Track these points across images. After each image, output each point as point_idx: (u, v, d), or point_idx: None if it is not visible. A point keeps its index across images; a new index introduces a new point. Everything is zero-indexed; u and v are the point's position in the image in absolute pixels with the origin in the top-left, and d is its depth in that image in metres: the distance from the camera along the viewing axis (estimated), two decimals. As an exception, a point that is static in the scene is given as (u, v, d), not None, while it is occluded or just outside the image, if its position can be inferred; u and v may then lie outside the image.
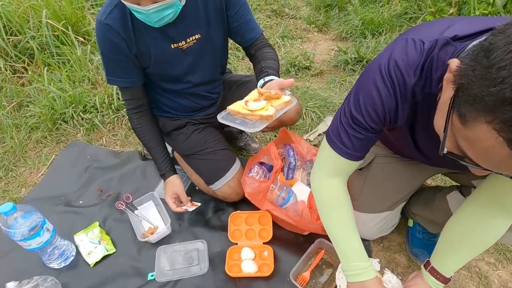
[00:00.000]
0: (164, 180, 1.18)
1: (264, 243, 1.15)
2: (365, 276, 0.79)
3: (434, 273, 0.83)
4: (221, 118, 0.91)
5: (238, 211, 1.21)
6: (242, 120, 0.88)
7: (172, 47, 1.00)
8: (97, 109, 1.74)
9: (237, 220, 1.21)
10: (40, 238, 0.97)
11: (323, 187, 0.83)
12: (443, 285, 0.83)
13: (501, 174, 0.46)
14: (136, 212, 1.24)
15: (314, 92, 1.91)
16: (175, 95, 1.17)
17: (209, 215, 1.28)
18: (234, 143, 1.58)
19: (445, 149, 0.49)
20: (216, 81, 1.22)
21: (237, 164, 1.23)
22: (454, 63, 0.48)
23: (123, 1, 0.83)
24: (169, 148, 1.35)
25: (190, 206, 1.18)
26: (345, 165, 0.77)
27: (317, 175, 0.84)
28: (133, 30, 0.94)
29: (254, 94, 0.92)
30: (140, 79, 1.07)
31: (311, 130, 1.66)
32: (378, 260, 0.93)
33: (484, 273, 1.05)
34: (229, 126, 1.25)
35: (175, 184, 1.16)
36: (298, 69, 2.18)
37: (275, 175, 1.10)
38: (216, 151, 1.22)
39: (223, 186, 1.19)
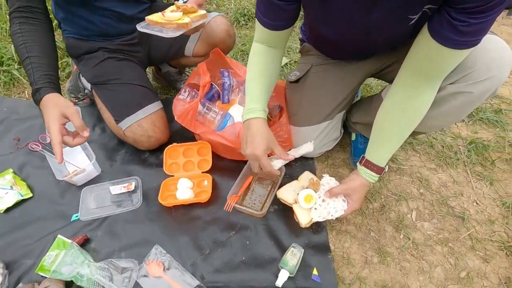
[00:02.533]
0: (40, 101, 0.80)
1: (203, 172, 1.07)
2: (251, 114, 0.82)
3: (369, 165, 0.79)
4: (140, 27, 0.90)
5: (174, 144, 1.11)
6: (160, 28, 0.89)
7: None
8: (15, 60, 1.53)
9: (174, 154, 1.11)
10: None
11: (252, 49, 0.87)
12: (378, 176, 0.80)
13: None
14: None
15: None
16: (86, 11, 1.01)
17: (146, 154, 1.17)
18: (175, 85, 1.46)
19: None
20: (140, 2, 1.08)
21: (155, 105, 1.09)
22: None
23: None
24: (89, 86, 1.21)
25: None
26: (262, 31, 0.80)
27: (253, 41, 0.88)
28: None
29: (171, 7, 0.93)
30: None
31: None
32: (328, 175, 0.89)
33: (425, 177, 1.05)
34: (167, 67, 1.13)
35: (59, 102, 0.78)
36: (248, 18, 2.07)
37: (203, 90, 1.00)
38: (131, 84, 1.09)
39: (133, 125, 1.05)
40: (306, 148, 0.92)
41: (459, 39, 0.57)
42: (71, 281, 0.80)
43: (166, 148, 1.09)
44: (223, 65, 1.15)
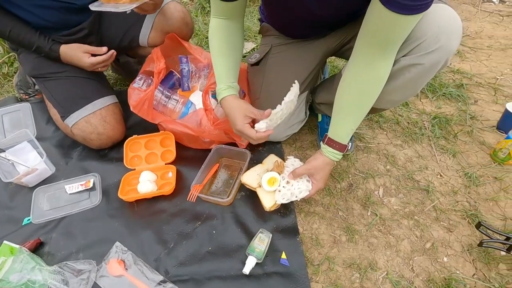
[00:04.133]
0: (60, 55, 0.97)
1: (166, 164, 1.02)
2: (222, 94, 0.81)
3: (331, 143, 0.78)
4: (93, 7, 0.87)
5: (135, 136, 1.05)
6: (114, 4, 0.86)
7: None
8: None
9: (135, 146, 1.05)
10: None
11: (210, 24, 0.84)
12: (341, 153, 0.78)
13: None
14: (2, 154, 1.00)
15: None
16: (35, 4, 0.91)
17: (105, 150, 1.10)
18: (135, 75, 1.38)
19: None
20: None
21: (106, 100, 1.03)
22: None
23: None
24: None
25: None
26: (217, 4, 0.78)
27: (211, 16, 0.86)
28: None
29: None
30: None
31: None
32: (293, 156, 0.87)
33: (391, 154, 1.05)
34: (125, 58, 1.07)
35: (71, 47, 0.97)
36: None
37: (158, 76, 0.94)
38: (78, 76, 1.01)
39: (80, 121, 0.98)
40: (292, 93, 0.80)
41: (408, 2, 0.55)
42: (22, 289, 0.74)
43: (127, 141, 1.03)
44: (182, 51, 1.09)
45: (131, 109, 0.95)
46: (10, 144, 1.05)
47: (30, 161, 1.04)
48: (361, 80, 0.71)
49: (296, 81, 0.81)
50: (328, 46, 0.93)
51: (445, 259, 0.80)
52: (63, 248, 0.84)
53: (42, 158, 0.98)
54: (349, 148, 0.81)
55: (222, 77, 0.83)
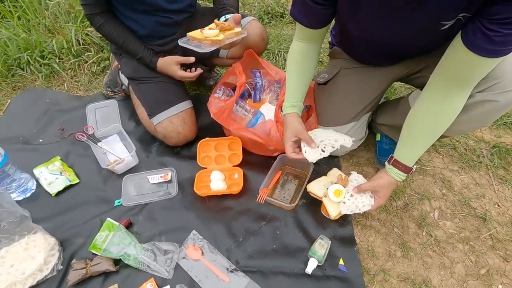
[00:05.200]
0: (156, 67, 1.14)
1: (234, 166, 1.14)
2: (286, 110, 0.94)
3: (397, 164, 0.84)
4: (181, 42, 1.01)
5: (207, 138, 1.18)
6: (197, 44, 1.00)
7: None
8: (56, 55, 1.63)
9: (207, 147, 1.18)
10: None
11: (291, 46, 0.95)
12: (406, 175, 0.84)
13: None
14: (99, 144, 1.18)
15: (288, 37, 1.87)
16: (139, 14, 1.09)
17: (178, 148, 1.24)
18: (204, 82, 1.53)
19: None
20: (184, 12, 1.17)
21: (186, 104, 1.19)
22: None
23: None
24: (126, 81, 1.30)
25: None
26: (301, 29, 0.87)
27: (293, 39, 0.96)
28: None
29: (211, 25, 1.02)
30: None
31: (283, 70, 1.62)
32: (353, 139, 0.94)
33: (447, 179, 1.08)
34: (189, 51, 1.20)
35: (168, 59, 1.12)
36: (272, 17, 2.12)
37: (239, 90, 1.06)
38: (166, 82, 1.17)
39: (164, 120, 1.14)
40: (342, 143, 0.91)
41: (492, 48, 0.61)
42: (119, 259, 0.89)
43: (200, 142, 1.17)
44: (255, 65, 1.21)
45: (212, 115, 1.08)
46: (103, 135, 1.23)
47: (117, 151, 1.21)
48: (434, 112, 0.77)
49: (351, 139, 0.92)
50: (397, 73, 0.99)
51: (500, 287, 0.83)
52: (148, 230, 0.99)
53: (130, 152, 1.14)
54: (413, 170, 0.87)
55: (290, 95, 0.95)
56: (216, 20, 1.03)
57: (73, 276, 0.85)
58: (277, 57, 1.71)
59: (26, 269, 0.83)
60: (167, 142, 1.20)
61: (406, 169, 0.84)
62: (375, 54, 0.94)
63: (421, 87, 0.99)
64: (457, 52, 0.67)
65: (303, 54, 0.94)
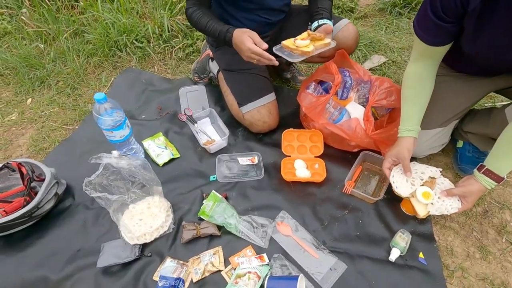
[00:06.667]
0: (232, 35, 1.07)
1: (315, 157, 1.24)
2: (401, 134, 1.00)
3: (489, 173, 0.89)
4: (275, 49, 1.07)
5: (291, 129, 1.29)
6: (289, 53, 1.06)
7: None
8: (147, 39, 1.81)
9: (289, 137, 1.29)
10: (123, 131, 1.09)
11: (407, 69, 1.00)
12: (496, 184, 0.89)
13: None
14: (196, 125, 1.34)
15: (360, 33, 1.88)
16: (242, 12, 1.19)
17: (260, 135, 1.36)
18: (282, 74, 1.63)
19: None
20: (281, 12, 1.25)
21: (271, 96, 1.28)
22: None
23: None
24: (215, 70, 1.42)
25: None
26: (423, 48, 0.90)
27: (409, 61, 1.01)
28: None
29: (304, 34, 1.07)
30: None
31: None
32: (441, 169, 1.01)
33: (529, 191, 1.11)
34: (279, 57, 1.27)
35: (243, 29, 1.06)
36: (342, 11, 2.13)
37: (335, 89, 1.15)
38: (257, 74, 1.27)
39: (253, 110, 1.25)
40: (429, 173, 1.01)
41: None
42: (222, 226, 1.04)
43: (284, 132, 1.27)
44: (343, 64, 1.28)
45: (303, 110, 1.19)
46: (198, 117, 1.38)
47: (209, 132, 1.36)
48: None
49: (439, 169, 1.00)
50: (494, 85, 1.02)
51: None
52: (241, 205, 1.13)
53: (222, 136, 1.28)
54: (505, 179, 0.91)
55: (407, 119, 1.00)
56: (309, 30, 1.08)
57: (186, 234, 1.02)
58: (351, 55, 1.75)
59: (153, 224, 1.01)
60: (251, 129, 1.33)
61: (497, 179, 0.89)
62: (476, 66, 0.97)
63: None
64: None
65: (419, 78, 0.98)
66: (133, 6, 1.95)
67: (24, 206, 0.98)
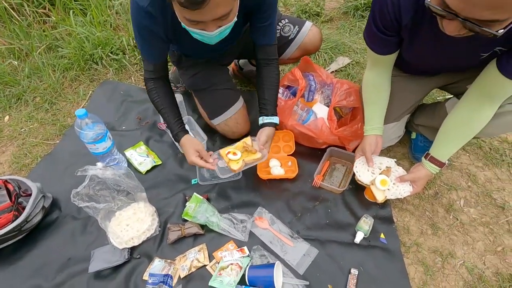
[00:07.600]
0: (179, 141, 1.13)
1: (287, 155, 1.35)
2: (365, 132, 1.14)
3: (433, 160, 1.03)
4: (213, 157, 1.11)
5: (264, 131, 1.39)
6: (221, 167, 1.12)
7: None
8: (123, 51, 1.85)
9: (264, 138, 1.39)
10: (105, 143, 1.15)
11: (364, 76, 1.14)
12: (439, 169, 1.04)
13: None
14: (175, 132, 1.41)
15: (326, 36, 2.01)
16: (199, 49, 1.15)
17: (236, 139, 1.46)
18: (252, 80, 1.73)
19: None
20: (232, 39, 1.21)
21: (238, 105, 1.32)
22: None
23: (186, 27, 0.85)
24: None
25: (219, 159, 1.13)
26: (375, 57, 1.02)
27: (366, 69, 1.13)
28: (172, 26, 0.95)
29: (239, 144, 1.15)
30: (165, 56, 1.12)
31: (324, 68, 1.80)
32: (395, 160, 1.15)
33: (472, 173, 1.27)
34: (248, 67, 1.24)
35: (192, 142, 1.11)
36: (309, 16, 2.26)
37: (300, 93, 1.26)
38: (220, 89, 1.33)
39: (221, 123, 1.33)
40: (386, 163, 1.15)
41: None
42: (205, 225, 1.13)
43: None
44: (307, 69, 1.40)
45: (274, 112, 1.29)
46: (176, 125, 1.46)
47: (188, 139, 1.44)
48: (468, 118, 0.95)
49: (393, 160, 1.13)
50: (437, 83, 1.16)
51: (512, 261, 1.03)
52: (222, 204, 1.22)
53: (202, 141, 1.37)
54: (446, 165, 1.05)
55: (368, 120, 1.14)
56: (245, 142, 1.14)
57: (172, 235, 1.10)
58: (317, 57, 1.88)
59: (140, 228, 1.08)
60: (225, 136, 1.42)
61: (440, 164, 1.03)
62: (418, 70, 1.11)
63: (456, 94, 1.17)
64: (491, 75, 0.84)
65: (376, 85, 1.11)
66: (106, 18, 1.99)
67: (13, 221, 1.03)
